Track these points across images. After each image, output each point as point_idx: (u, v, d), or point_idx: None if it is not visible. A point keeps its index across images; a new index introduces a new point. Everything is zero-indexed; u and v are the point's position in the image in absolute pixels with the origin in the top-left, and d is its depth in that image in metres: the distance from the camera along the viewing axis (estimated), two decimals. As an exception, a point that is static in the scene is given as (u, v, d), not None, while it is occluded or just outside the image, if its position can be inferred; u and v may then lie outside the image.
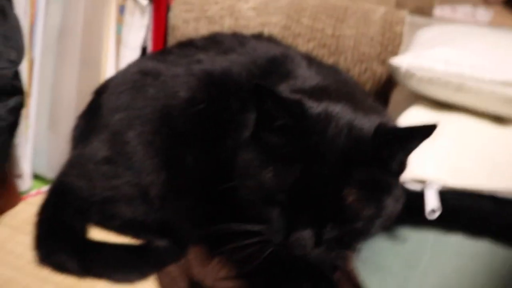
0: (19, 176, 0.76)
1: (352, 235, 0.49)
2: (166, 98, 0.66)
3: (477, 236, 0.56)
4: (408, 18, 0.96)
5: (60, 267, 0.62)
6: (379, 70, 0.87)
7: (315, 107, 0.49)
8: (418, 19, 1.16)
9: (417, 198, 0.55)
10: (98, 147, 0.66)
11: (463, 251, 0.56)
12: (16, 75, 0.63)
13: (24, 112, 0.75)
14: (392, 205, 0.50)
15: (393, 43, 0.90)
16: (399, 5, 1.30)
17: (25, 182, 0.76)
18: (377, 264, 0.58)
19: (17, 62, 0.61)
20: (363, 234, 0.50)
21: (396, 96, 0.79)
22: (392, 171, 0.49)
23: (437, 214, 0.53)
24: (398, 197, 0.50)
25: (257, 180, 0.50)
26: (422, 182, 0.55)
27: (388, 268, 0.57)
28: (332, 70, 0.72)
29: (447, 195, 0.54)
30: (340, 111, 0.49)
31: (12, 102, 0.61)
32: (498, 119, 0.66)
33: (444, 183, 0.54)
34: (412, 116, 0.68)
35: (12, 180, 0.74)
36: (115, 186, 0.65)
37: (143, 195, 0.65)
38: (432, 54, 0.67)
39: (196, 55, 0.70)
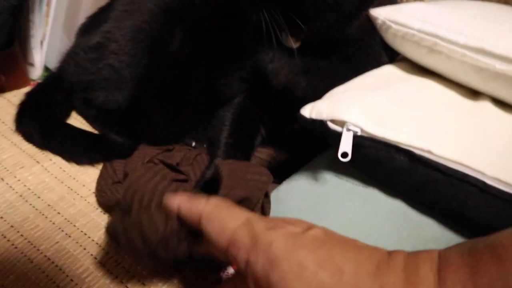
0: (31, 64, 0.87)
1: None
2: None
3: (392, 193, 0.54)
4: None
5: (28, 136, 0.71)
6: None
7: None
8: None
9: (337, 140, 0.54)
10: (94, 36, 0.74)
11: (372, 205, 0.54)
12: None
13: (45, 10, 0.86)
14: None
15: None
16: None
17: (36, 71, 0.88)
18: (287, 200, 0.58)
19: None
20: None
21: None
22: None
23: (348, 158, 0.51)
24: None
25: None
26: (343, 123, 0.53)
27: (294, 205, 0.57)
28: None
29: (366, 142, 0.52)
30: None
31: (18, -12, 0.71)
32: (473, 94, 0.61)
33: (364, 129, 0.52)
34: (383, 71, 0.65)
35: (25, 66, 0.86)
36: (97, 70, 0.72)
37: (119, 77, 0.71)
38: (412, 10, 0.63)
39: None
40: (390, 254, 0.34)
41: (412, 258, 0.34)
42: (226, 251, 0.37)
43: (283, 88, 0.65)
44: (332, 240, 0.36)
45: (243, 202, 0.48)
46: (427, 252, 0.34)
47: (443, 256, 0.32)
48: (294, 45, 0.64)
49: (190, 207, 0.40)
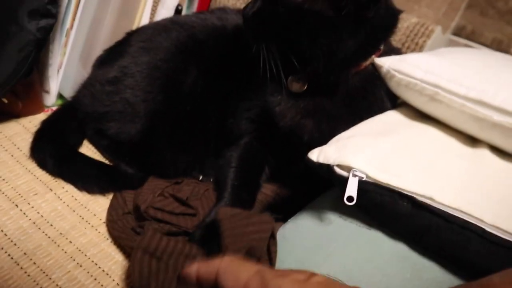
0: (47, 91, 0.90)
1: None
2: (186, 37, 0.77)
3: (395, 235, 0.56)
4: (451, 37, 0.94)
5: (41, 163, 0.74)
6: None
7: None
8: (463, 41, 1.11)
9: (343, 184, 0.56)
10: (111, 70, 0.77)
11: (375, 247, 0.56)
12: (53, 2, 0.76)
13: (64, 40, 0.90)
14: None
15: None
16: (460, 29, 1.25)
17: (50, 98, 0.90)
18: (292, 239, 0.60)
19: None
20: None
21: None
22: None
23: (353, 202, 0.54)
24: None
25: None
26: (349, 169, 0.56)
27: (300, 244, 0.59)
28: None
29: (370, 187, 0.55)
30: None
31: (43, 22, 0.75)
32: (472, 141, 0.64)
33: (369, 175, 0.55)
34: (386, 117, 0.68)
35: (40, 93, 0.89)
36: (112, 102, 0.75)
37: (134, 111, 0.74)
38: (415, 60, 0.67)
39: (224, 15, 0.81)
40: None
41: None
42: None
43: (289, 130, 0.68)
44: (335, 285, 0.39)
45: (246, 255, 0.50)
46: None
47: None
48: (300, 89, 0.68)
49: (207, 266, 0.45)
